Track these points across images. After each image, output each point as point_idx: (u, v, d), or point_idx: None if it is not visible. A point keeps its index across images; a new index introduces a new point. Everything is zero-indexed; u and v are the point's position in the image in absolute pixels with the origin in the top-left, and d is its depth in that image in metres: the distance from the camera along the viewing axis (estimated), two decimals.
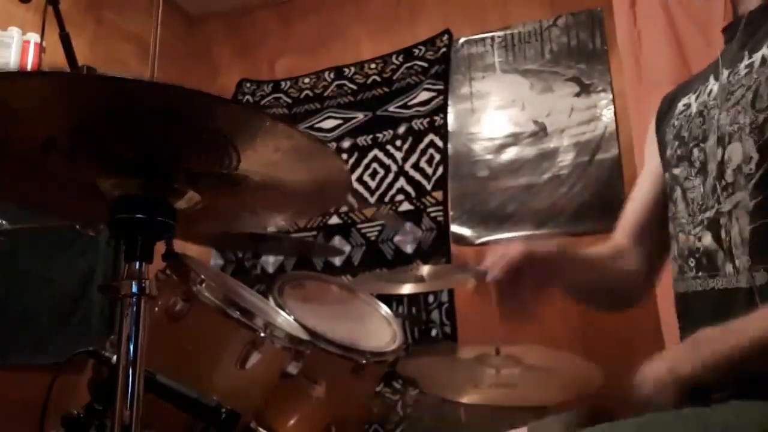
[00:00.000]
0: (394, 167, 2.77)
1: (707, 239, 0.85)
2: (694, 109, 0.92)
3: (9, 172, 0.80)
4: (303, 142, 0.72)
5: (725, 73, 0.87)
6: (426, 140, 2.74)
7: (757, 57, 0.82)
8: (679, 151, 0.92)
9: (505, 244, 0.95)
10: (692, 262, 0.87)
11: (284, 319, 1.43)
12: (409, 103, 2.82)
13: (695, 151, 0.88)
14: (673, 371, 0.76)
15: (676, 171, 0.92)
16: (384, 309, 1.77)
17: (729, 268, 0.81)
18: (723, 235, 0.82)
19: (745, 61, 0.84)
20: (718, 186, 0.83)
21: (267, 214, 1.01)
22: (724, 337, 0.76)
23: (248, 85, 3.17)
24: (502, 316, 0.93)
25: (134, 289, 0.72)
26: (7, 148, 0.72)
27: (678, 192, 0.91)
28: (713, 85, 0.90)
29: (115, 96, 0.63)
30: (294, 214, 1.10)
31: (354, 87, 2.97)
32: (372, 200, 2.77)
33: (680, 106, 0.96)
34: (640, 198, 1.08)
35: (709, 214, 0.84)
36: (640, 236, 1.07)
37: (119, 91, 0.62)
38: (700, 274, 0.87)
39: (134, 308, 0.72)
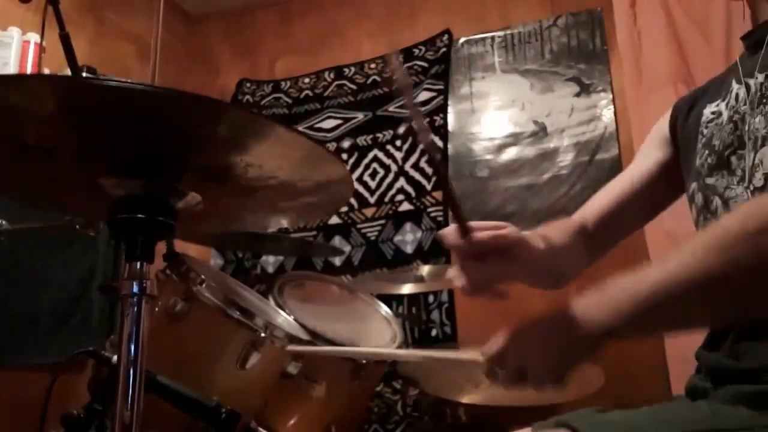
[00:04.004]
0: (394, 167, 2.77)
1: None
2: (725, 116, 0.89)
3: (12, 170, 0.80)
4: (304, 144, 0.72)
5: (759, 77, 0.84)
6: None
7: None
8: (710, 160, 0.89)
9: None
10: None
11: (284, 319, 1.43)
12: None
13: (733, 159, 0.85)
14: (584, 320, 0.69)
15: (711, 180, 0.89)
16: (384, 309, 1.78)
17: None
18: None
19: None
20: (748, 191, 0.81)
21: (269, 216, 1.01)
22: (637, 278, 0.69)
23: (248, 85, 3.17)
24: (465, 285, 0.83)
25: (135, 289, 0.72)
26: (9, 148, 0.72)
27: (717, 201, 0.88)
28: (738, 89, 0.87)
29: (117, 99, 0.63)
30: (297, 216, 1.10)
31: (354, 87, 2.97)
32: (372, 200, 2.77)
33: (708, 113, 0.93)
34: (616, 189, 1.06)
35: None
36: (603, 223, 1.04)
37: (121, 95, 0.62)
38: None
39: (134, 308, 0.72)
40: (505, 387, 0.76)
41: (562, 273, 0.98)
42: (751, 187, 0.81)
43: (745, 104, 0.85)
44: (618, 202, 1.05)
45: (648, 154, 1.06)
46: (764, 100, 0.82)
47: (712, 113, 0.92)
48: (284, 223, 1.10)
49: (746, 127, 0.83)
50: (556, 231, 0.98)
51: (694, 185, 0.93)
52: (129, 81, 0.59)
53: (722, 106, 0.91)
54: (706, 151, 0.90)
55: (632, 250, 1.27)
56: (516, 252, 0.83)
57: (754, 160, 0.80)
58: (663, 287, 0.65)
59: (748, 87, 0.85)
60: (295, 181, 0.80)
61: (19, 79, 0.70)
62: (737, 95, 0.87)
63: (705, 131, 0.92)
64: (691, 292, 0.64)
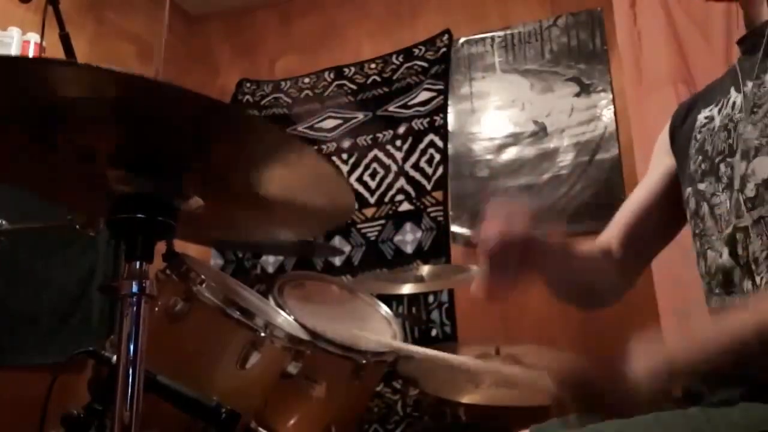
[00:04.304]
0: (394, 167, 2.77)
1: (725, 255, 0.83)
2: (717, 122, 0.89)
3: (15, 160, 0.80)
4: (314, 163, 0.72)
5: (749, 84, 0.84)
6: (426, 140, 2.74)
7: None
8: (703, 166, 0.89)
9: (506, 210, 0.93)
10: (720, 278, 0.86)
11: (284, 319, 1.43)
12: (409, 103, 2.82)
13: (722, 166, 0.85)
14: (669, 362, 0.74)
15: (701, 186, 0.89)
16: (384, 309, 1.77)
17: (747, 284, 0.80)
18: (740, 251, 0.80)
19: None
20: (740, 200, 0.81)
21: (269, 228, 1.01)
22: (722, 326, 0.75)
23: (248, 85, 3.17)
24: (485, 289, 0.88)
25: (134, 289, 0.72)
26: (11, 146, 0.72)
27: (705, 208, 0.89)
28: (736, 97, 0.87)
29: (132, 93, 0.62)
30: (296, 230, 1.09)
31: (354, 87, 2.97)
32: (372, 200, 2.77)
33: (701, 118, 0.93)
34: (634, 202, 1.06)
35: (728, 230, 0.83)
36: (628, 240, 1.05)
37: (128, 88, 0.61)
38: (717, 290, 0.86)
39: (134, 308, 0.72)
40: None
41: (591, 288, 1.01)
42: (743, 197, 0.80)
43: (740, 112, 0.85)
44: (638, 215, 1.05)
45: (658, 164, 1.06)
46: (756, 109, 0.81)
47: (705, 118, 0.92)
48: (282, 236, 1.09)
49: (738, 135, 0.83)
50: (579, 244, 1.01)
51: (688, 190, 0.93)
52: (148, 77, 0.58)
53: (715, 111, 0.90)
54: (700, 157, 0.90)
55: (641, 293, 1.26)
56: (532, 252, 0.87)
57: (746, 169, 0.80)
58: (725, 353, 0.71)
59: (744, 94, 0.85)
60: (300, 197, 0.80)
61: (42, 63, 0.69)
62: (734, 103, 0.87)
63: (698, 136, 0.92)
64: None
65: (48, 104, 0.64)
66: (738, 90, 0.87)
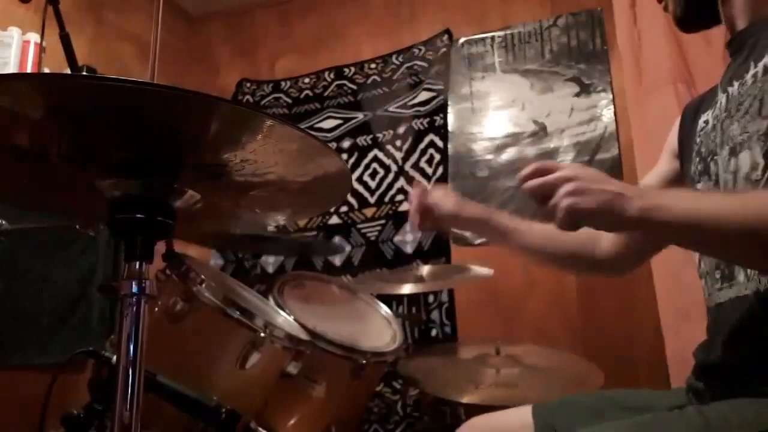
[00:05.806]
0: (394, 167, 2.77)
1: None
2: (710, 124, 0.93)
3: (7, 176, 0.80)
4: (298, 137, 0.72)
5: (735, 84, 0.87)
6: (426, 140, 2.74)
7: (760, 66, 0.83)
8: (700, 167, 0.93)
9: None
10: (718, 274, 0.87)
11: (284, 319, 1.44)
12: (409, 103, 2.82)
13: (711, 165, 0.89)
14: (643, 202, 0.73)
15: (699, 186, 0.93)
16: (384, 309, 1.77)
17: (741, 276, 0.82)
18: None
19: (751, 71, 0.85)
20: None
21: (266, 213, 1.01)
22: (694, 199, 0.77)
23: (248, 85, 3.17)
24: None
25: (134, 289, 0.72)
26: (7, 150, 0.72)
27: None
28: (722, 98, 0.91)
29: (114, 98, 0.63)
30: (293, 212, 1.10)
31: (354, 87, 2.97)
32: (372, 200, 2.77)
33: (701, 123, 0.97)
34: None
35: None
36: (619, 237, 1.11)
37: (118, 93, 0.62)
38: (717, 286, 0.87)
39: (134, 308, 0.72)
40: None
41: (582, 258, 1.16)
42: (734, 191, 0.83)
43: (725, 111, 0.88)
44: None
45: (657, 167, 1.11)
46: (740, 108, 0.84)
47: (704, 122, 0.96)
48: (284, 219, 1.10)
49: (724, 134, 0.87)
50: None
51: None
52: (118, 78, 0.58)
53: (710, 114, 0.94)
54: (697, 159, 0.94)
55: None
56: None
57: (734, 166, 0.83)
58: (708, 215, 0.72)
59: (728, 95, 0.89)
60: (292, 176, 0.80)
61: (6, 79, 0.70)
62: (721, 103, 0.90)
63: (698, 140, 0.96)
64: (724, 231, 0.71)
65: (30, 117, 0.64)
66: (724, 91, 0.90)
